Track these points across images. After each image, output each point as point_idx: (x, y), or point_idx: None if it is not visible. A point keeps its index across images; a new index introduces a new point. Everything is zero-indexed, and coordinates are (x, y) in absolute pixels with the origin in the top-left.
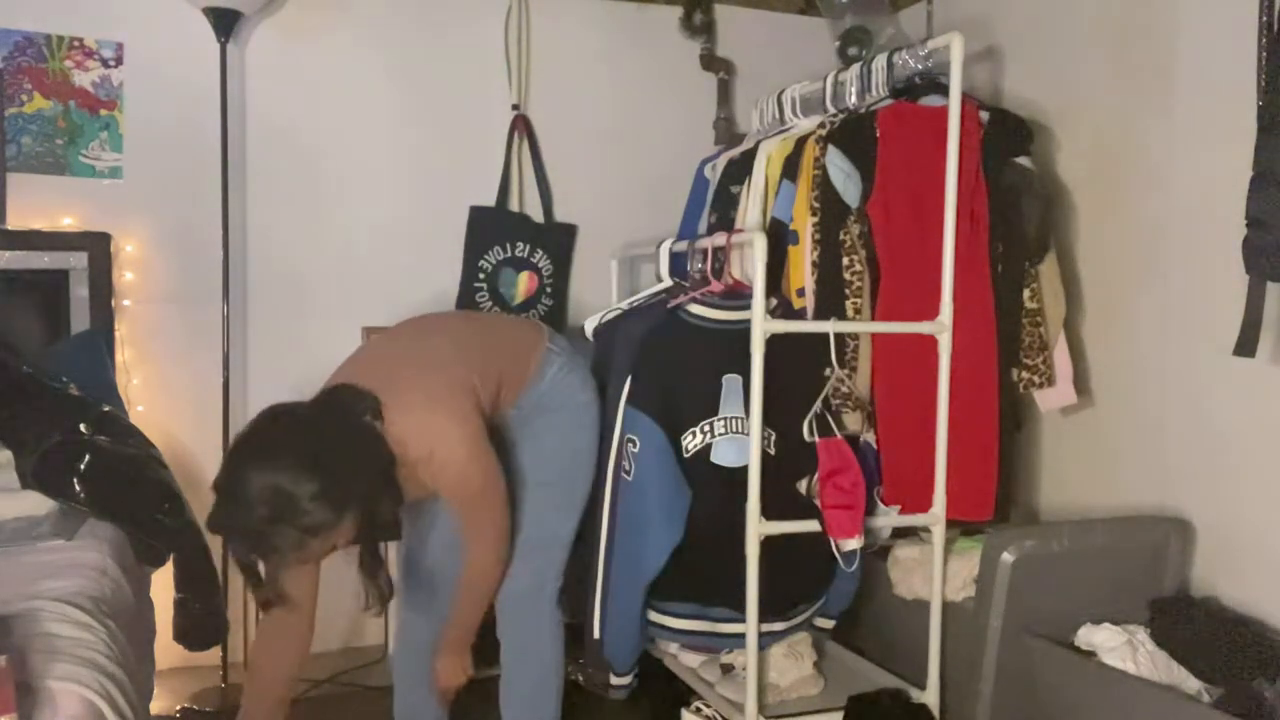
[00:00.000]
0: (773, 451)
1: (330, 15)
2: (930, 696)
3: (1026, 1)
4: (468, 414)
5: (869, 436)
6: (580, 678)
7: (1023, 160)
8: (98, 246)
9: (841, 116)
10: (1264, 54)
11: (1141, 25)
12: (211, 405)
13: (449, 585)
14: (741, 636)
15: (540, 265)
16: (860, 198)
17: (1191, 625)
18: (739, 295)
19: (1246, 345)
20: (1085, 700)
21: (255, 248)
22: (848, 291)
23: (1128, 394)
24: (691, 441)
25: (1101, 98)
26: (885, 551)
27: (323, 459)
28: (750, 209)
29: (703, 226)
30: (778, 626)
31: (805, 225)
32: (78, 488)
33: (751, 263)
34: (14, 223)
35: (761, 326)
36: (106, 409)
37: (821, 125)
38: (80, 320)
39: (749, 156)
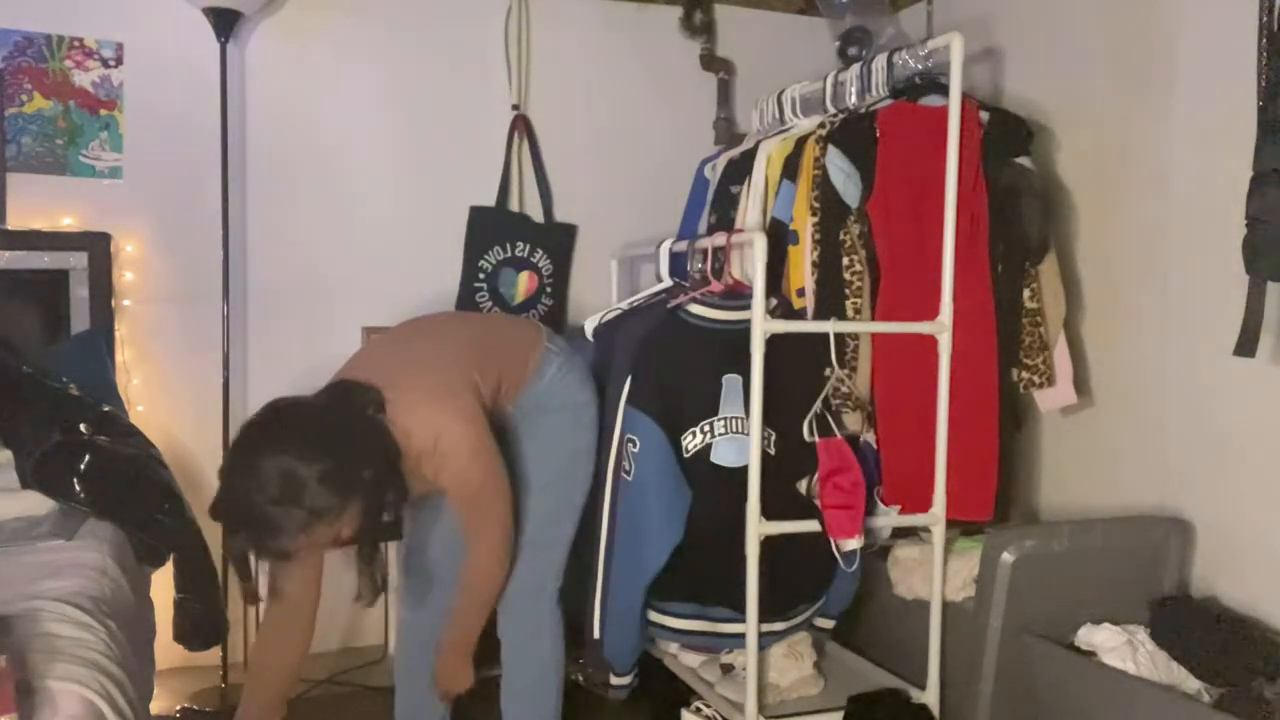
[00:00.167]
0: (773, 451)
1: (330, 15)
2: (930, 696)
3: (1026, 1)
4: (471, 410)
5: (869, 436)
6: (580, 678)
7: (1023, 160)
8: (98, 246)
9: (841, 116)
10: (1264, 54)
11: (1141, 25)
12: (211, 405)
13: (450, 582)
14: (741, 636)
15: (540, 265)
16: (860, 198)
17: (1191, 625)
18: (739, 295)
19: (1246, 345)
20: (1085, 700)
21: (255, 248)
22: (848, 291)
23: (1128, 394)
24: (691, 441)
25: (1101, 98)
26: (885, 551)
27: (330, 444)
28: (750, 209)
29: (703, 226)
30: (778, 626)
31: (805, 225)
32: (78, 488)
33: (751, 263)
34: (14, 223)
35: (761, 326)
36: (106, 409)
37: (821, 125)
38: (80, 320)
39: (749, 156)
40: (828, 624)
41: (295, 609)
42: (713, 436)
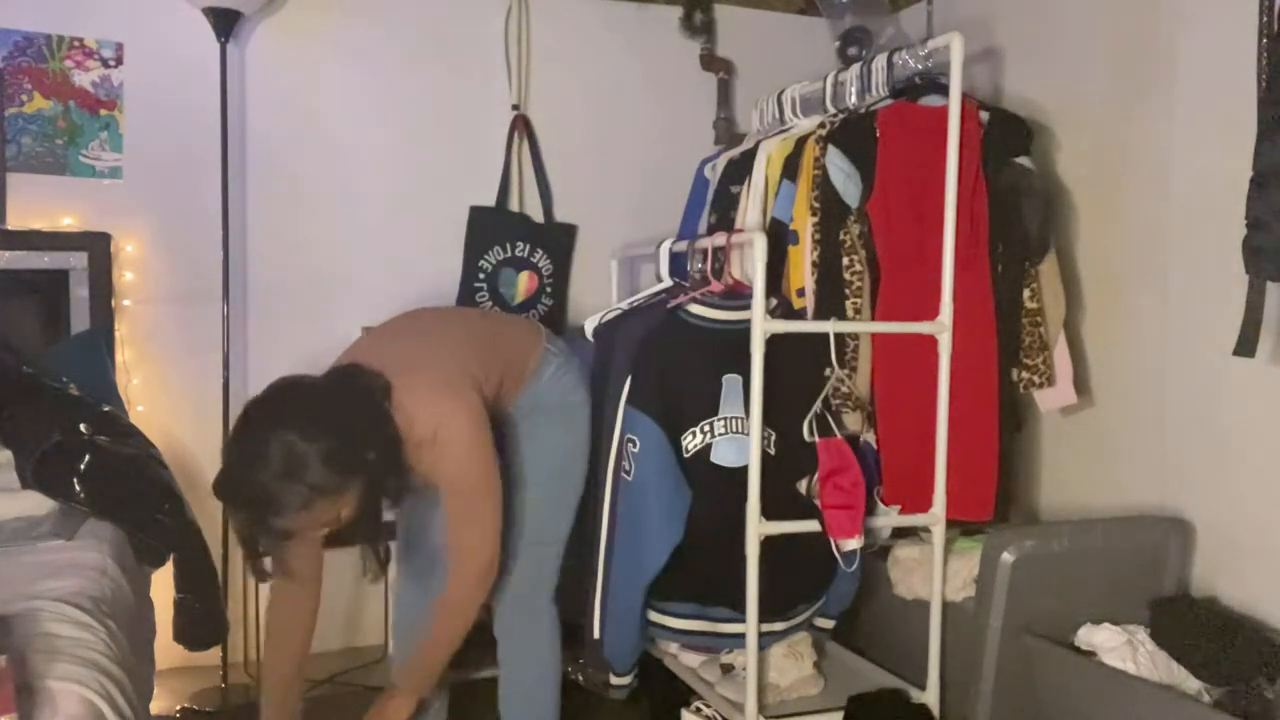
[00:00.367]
0: (773, 451)
1: (330, 15)
2: (930, 696)
3: (1026, 1)
4: (475, 405)
5: (869, 436)
6: (580, 678)
7: (1023, 160)
8: (98, 246)
9: (841, 116)
10: (1264, 55)
11: (1141, 25)
12: (211, 405)
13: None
14: (741, 636)
15: (540, 265)
16: (860, 198)
17: (1191, 625)
18: (739, 295)
19: (1246, 345)
20: (1085, 700)
21: (255, 248)
22: (848, 291)
23: (1128, 394)
24: (691, 441)
25: (1101, 98)
26: (885, 551)
27: (335, 423)
28: (750, 209)
29: (703, 227)
30: (778, 626)
31: (805, 225)
32: (78, 488)
33: (751, 263)
34: (14, 223)
35: (761, 326)
36: (106, 409)
37: (821, 125)
38: (80, 320)
39: (749, 156)
40: (828, 624)
41: (303, 584)
42: (713, 436)
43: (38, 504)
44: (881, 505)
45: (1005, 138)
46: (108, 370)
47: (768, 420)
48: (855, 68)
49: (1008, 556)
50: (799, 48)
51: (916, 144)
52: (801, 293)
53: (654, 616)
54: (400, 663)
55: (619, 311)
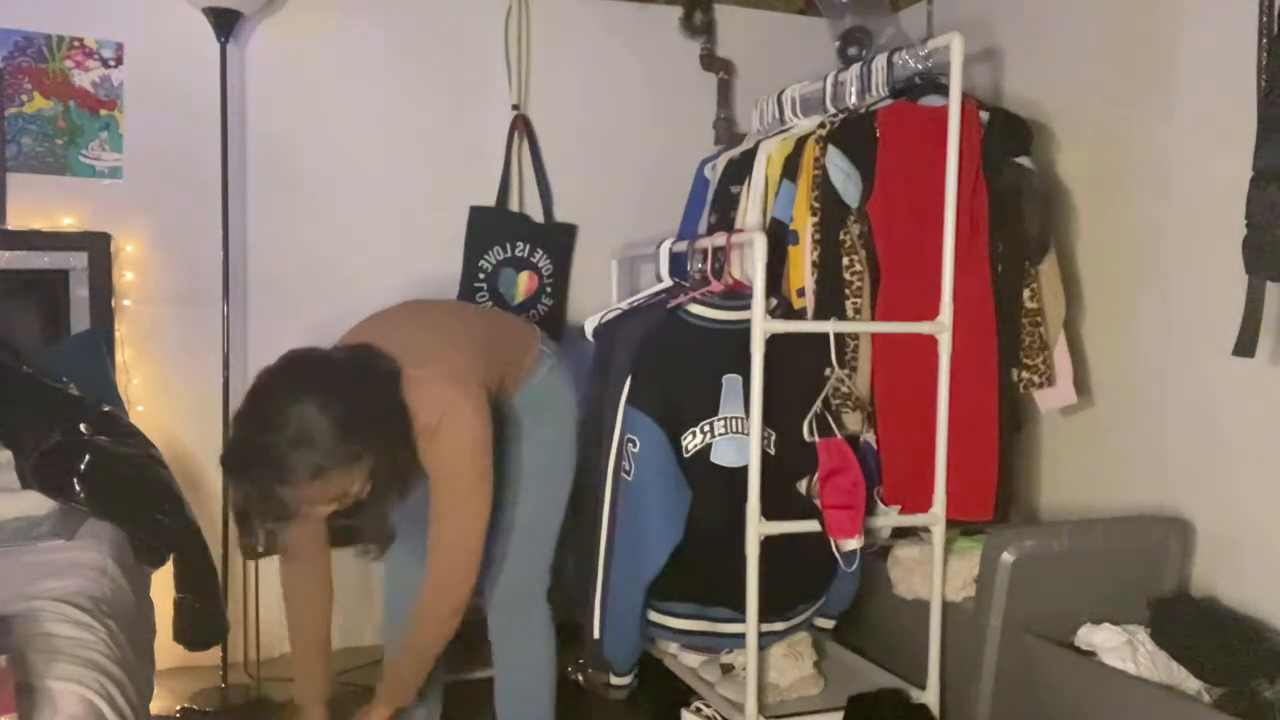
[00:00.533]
0: (773, 451)
1: (330, 15)
2: (930, 696)
3: (1026, 1)
4: (479, 398)
5: (869, 436)
6: (580, 678)
7: (1023, 160)
8: (98, 246)
9: (841, 116)
10: (1264, 55)
11: (1142, 25)
12: (211, 405)
13: None
14: (741, 636)
15: (540, 265)
16: (860, 198)
17: (1191, 625)
18: (739, 295)
19: (1246, 345)
20: (1085, 700)
21: (255, 248)
22: (848, 291)
23: (1128, 394)
24: (691, 441)
25: (1101, 98)
26: (885, 551)
27: (347, 394)
28: (750, 209)
29: (703, 227)
30: (778, 626)
31: (805, 225)
32: (78, 488)
33: (751, 263)
34: (14, 223)
35: (761, 326)
36: (106, 409)
37: (821, 125)
38: (80, 320)
39: (749, 156)
40: (828, 624)
41: (311, 560)
42: (713, 436)
43: (38, 504)
44: (881, 505)
45: (1005, 138)
46: (108, 370)
47: (768, 420)
48: (855, 68)
49: (1008, 556)
50: (799, 48)
51: (916, 144)
52: (801, 293)
53: (654, 616)
54: (390, 637)
55: (619, 311)
